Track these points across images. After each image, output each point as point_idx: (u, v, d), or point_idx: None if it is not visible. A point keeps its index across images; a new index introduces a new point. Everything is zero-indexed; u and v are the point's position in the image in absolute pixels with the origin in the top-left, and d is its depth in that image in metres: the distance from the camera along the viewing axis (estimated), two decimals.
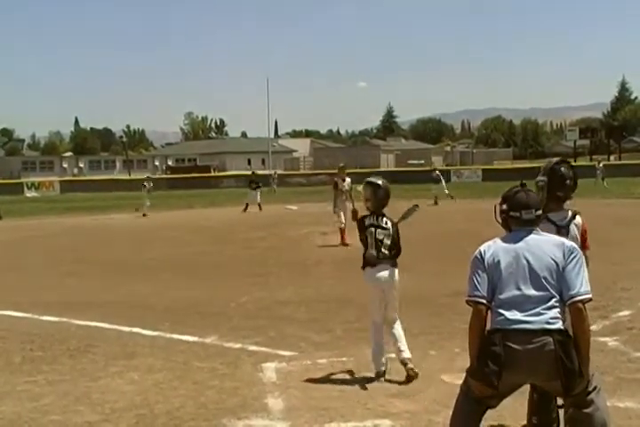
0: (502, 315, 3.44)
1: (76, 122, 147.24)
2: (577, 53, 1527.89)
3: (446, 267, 11.32)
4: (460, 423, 3.63)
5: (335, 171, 16.76)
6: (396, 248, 5.84)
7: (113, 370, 5.97)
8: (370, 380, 5.47)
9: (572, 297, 3.40)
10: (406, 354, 5.58)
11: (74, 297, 9.56)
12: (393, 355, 6.13)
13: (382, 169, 58.25)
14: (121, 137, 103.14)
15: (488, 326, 3.53)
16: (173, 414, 4.86)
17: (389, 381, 5.45)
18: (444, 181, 27.98)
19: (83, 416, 4.87)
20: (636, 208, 21.69)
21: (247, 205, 25.69)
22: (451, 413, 3.74)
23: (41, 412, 4.98)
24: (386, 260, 5.76)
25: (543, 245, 3.51)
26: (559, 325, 3.40)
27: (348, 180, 15.48)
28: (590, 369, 3.45)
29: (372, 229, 5.78)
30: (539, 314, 3.37)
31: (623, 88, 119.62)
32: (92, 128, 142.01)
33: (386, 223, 5.83)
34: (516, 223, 3.62)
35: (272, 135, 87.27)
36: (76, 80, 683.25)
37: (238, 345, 6.59)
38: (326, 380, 5.51)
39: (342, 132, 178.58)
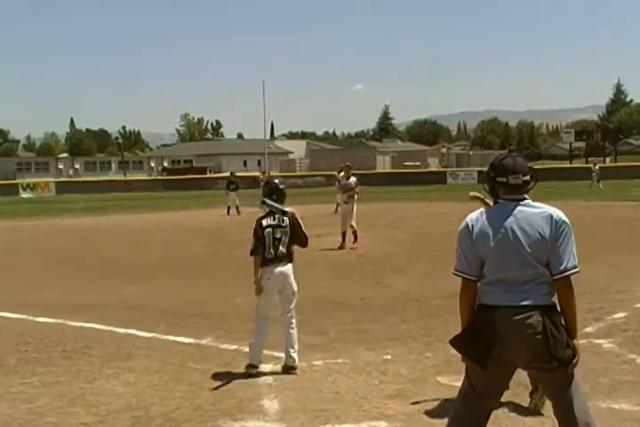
0: (491, 291, 3.39)
1: (72, 123, 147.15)
2: (573, 56, 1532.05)
3: (441, 268, 11.33)
4: None
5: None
6: (298, 242, 5.95)
7: (108, 372, 5.96)
8: (366, 382, 5.48)
9: (560, 272, 3.32)
10: (291, 362, 5.75)
11: (69, 298, 9.54)
12: (390, 356, 6.15)
13: (379, 171, 58.33)
14: (117, 138, 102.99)
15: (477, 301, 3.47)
16: (169, 415, 4.85)
17: (385, 382, 5.46)
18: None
19: (78, 418, 4.86)
20: (632, 210, 21.73)
21: (229, 208, 24.77)
22: (448, 418, 3.66)
23: (36, 414, 4.97)
24: (284, 258, 5.88)
25: (532, 219, 3.37)
26: (548, 301, 3.35)
27: (353, 179, 15.47)
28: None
29: (270, 229, 5.88)
30: (528, 291, 3.32)
31: (618, 90, 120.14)
32: (87, 129, 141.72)
33: (283, 221, 5.90)
34: (503, 190, 3.48)
35: (268, 137, 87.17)
36: (71, 81, 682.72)
37: (234, 347, 6.59)
38: (321, 382, 5.51)
39: (338, 133, 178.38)
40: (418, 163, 72.33)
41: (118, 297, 9.59)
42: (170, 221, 23.83)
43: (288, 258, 5.91)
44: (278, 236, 5.84)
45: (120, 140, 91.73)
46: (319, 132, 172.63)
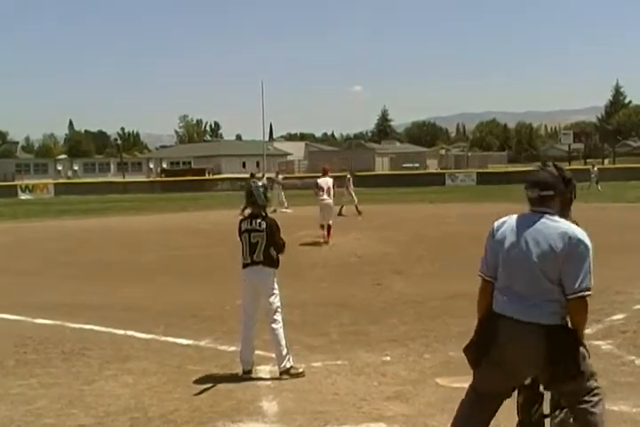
0: (500, 299, 3.42)
1: (71, 124, 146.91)
2: (572, 58, 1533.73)
3: (440, 270, 11.34)
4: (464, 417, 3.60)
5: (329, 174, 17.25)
6: (275, 248, 5.86)
7: (107, 373, 5.96)
8: (365, 383, 5.47)
9: (572, 293, 3.27)
10: (279, 368, 5.71)
11: (68, 300, 9.52)
12: (389, 358, 6.15)
13: (377, 172, 58.34)
14: (115, 140, 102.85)
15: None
16: (167, 417, 4.85)
17: (384, 384, 5.45)
18: None
19: (76, 420, 4.86)
20: (631, 212, 21.74)
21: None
22: (453, 417, 3.70)
23: (34, 415, 4.96)
24: (260, 262, 5.82)
25: (547, 232, 3.34)
26: (556, 320, 3.31)
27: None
28: (588, 370, 3.39)
29: (247, 234, 5.88)
30: (536, 306, 3.29)
31: (617, 92, 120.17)
32: (86, 131, 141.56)
33: (260, 225, 5.86)
34: (528, 201, 3.51)
35: (267, 138, 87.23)
36: (70, 83, 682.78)
37: (233, 348, 6.58)
38: (321, 383, 5.51)
39: (337, 135, 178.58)
40: (416, 164, 72.28)
41: (117, 299, 9.58)
42: (169, 222, 23.81)
43: (265, 262, 5.80)
44: (254, 240, 5.82)
45: (119, 142, 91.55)
46: (318, 134, 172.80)
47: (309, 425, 4.62)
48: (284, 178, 27.18)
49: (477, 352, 3.44)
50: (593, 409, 3.37)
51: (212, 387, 5.49)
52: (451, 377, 5.50)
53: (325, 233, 15.62)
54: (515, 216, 3.54)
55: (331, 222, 15.86)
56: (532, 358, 3.29)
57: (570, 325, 3.36)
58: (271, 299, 5.79)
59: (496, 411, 3.66)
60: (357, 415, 4.77)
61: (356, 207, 23.08)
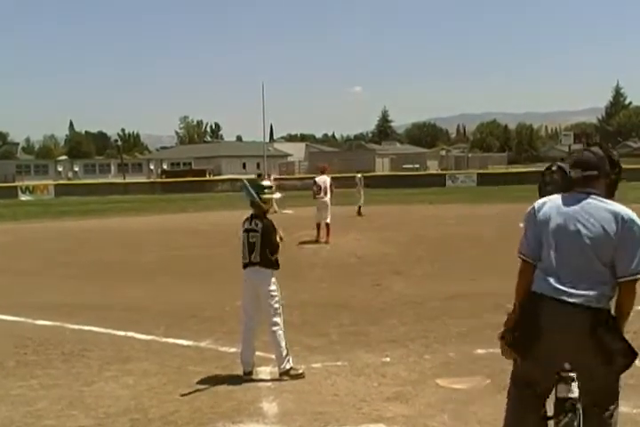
0: (546, 280, 3.23)
1: (71, 125, 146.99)
2: (572, 58, 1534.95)
3: (440, 270, 11.35)
4: (516, 416, 3.41)
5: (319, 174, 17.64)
6: (269, 249, 5.80)
7: (107, 374, 5.96)
8: (365, 384, 5.47)
9: (627, 275, 3.13)
10: (279, 369, 5.70)
11: (68, 301, 9.52)
12: (388, 359, 6.15)
13: (378, 173, 58.34)
14: (116, 141, 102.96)
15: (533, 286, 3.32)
16: (168, 418, 4.85)
17: (384, 385, 5.45)
18: None
19: (77, 421, 4.86)
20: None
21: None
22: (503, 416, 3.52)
23: (35, 417, 4.97)
24: (257, 263, 5.80)
25: (597, 213, 3.21)
26: (604, 304, 3.17)
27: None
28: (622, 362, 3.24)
29: (246, 233, 5.89)
30: (584, 288, 3.14)
31: (618, 93, 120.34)
32: (86, 132, 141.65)
33: (257, 225, 5.87)
34: (574, 183, 3.39)
35: (267, 139, 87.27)
36: (70, 83, 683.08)
37: (233, 349, 6.57)
38: (321, 384, 5.51)
39: (337, 136, 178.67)
40: (417, 165, 72.29)
41: (117, 299, 9.59)
42: (169, 223, 23.83)
43: (262, 263, 5.79)
44: (252, 240, 5.83)
45: (119, 143, 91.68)
46: (318, 135, 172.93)
47: (309, 426, 4.62)
48: (275, 179, 27.36)
49: (526, 337, 3.22)
50: (609, 421, 3.32)
51: (212, 388, 5.49)
52: (451, 378, 5.51)
53: (325, 232, 15.69)
54: (557, 196, 3.38)
55: (329, 221, 15.87)
56: (574, 341, 3.14)
57: (612, 310, 3.22)
58: (269, 300, 5.77)
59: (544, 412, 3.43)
60: (357, 416, 4.77)
61: (359, 208, 23.20)
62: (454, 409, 4.83)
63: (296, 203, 25.54)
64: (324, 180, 16.39)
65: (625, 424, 4.48)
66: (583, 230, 3.19)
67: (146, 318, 8.30)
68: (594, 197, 3.28)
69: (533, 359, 3.23)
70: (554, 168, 4.69)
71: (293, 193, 30.06)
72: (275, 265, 5.85)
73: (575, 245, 3.20)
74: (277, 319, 5.79)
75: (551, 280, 3.21)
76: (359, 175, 24.61)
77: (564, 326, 3.14)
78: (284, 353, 5.71)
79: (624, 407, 4.74)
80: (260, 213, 5.96)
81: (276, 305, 5.81)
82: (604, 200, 3.28)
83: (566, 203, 3.31)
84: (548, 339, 3.17)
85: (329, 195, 16.23)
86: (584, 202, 3.26)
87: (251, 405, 5.06)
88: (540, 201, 3.40)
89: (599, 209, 3.23)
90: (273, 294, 5.79)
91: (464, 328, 7.18)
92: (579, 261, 3.19)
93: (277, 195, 6.21)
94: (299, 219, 18.41)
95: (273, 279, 5.82)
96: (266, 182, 6.26)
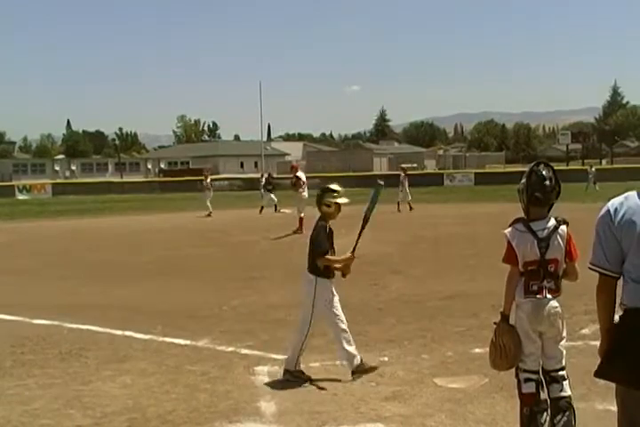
0: (637, 291, 2.85)
1: (68, 124, 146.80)
2: (570, 58, 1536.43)
3: (439, 270, 11.34)
4: None
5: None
6: (313, 254, 5.68)
7: (105, 374, 5.95)
8: (363, 383, 5.47)
9: None
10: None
11: (66, 300, 9.51)
12: (386, 358, 6.14)
13: (375, 172, 58.34)
14: (113, 140, 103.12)
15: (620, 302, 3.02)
16: (165, 417, 4.84)
17: (382, 384, 5.45)
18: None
19: (74, 420, 4.85)
20: None
21: (262, 207, 25.80)
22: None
23: (31, 416, 4.95)
24: (307, 267, 5.71)
25: None
26: None
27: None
28: None
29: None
30: None
31: (615, 93, 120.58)
32: (84, 131, 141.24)
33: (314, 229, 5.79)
34: None
35: (265, 138, 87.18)
36: (68, 83, 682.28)
37: (230, 348, 6.58)
38: (319, 383, 5.50)
39: (335, 135, 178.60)
40: (414, 165, 72.31)
41: (115, 299, 9.57)
42: (166, 222, 23.79)
43: (309, 268, 5.70)
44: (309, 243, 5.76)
45: (117, 142, 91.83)
46: (316, 134, 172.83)
47: (307, 425, 4.62)
48: (267, 178, 27.58)
49: (629, 368, 2.74)
50: None
51: (209, 387, 5.48)
52: (448, 377, 5.51)
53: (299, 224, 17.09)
54: (634, 194, 2.86)
55: (302, 215, 16.97)
56: None
57: None
58: (310, 306, 5.63)
59: None
60: (355, 416, 4.77)
61: (409, 204, 25.22)
62: (452, 409, 4.82)
63: (295, 202, 25.50)
64: (304, 176, 18.74)
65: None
66: None
67: (143, 317, 8.29)
68: None
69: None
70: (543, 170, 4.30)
71: (290, 192, 30.01)
72: (320, 272, 5.63)
73: None
74: (329, 325, 5.71)
75: None
76: (404, 173, 26.29)
77: None
78: (346, 354, 5.58)
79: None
80: (326, 217, 5.82)
81: (319, 312, 5.63)
82: None
83: None
84: None
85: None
86: None
87: (248, 404, 5.05)
88: (615, 202, 2.87)
89: None
90: (311, 301, 5.61)
91: (462, 328, 7.18)
92: None
93: (345, 200, 5.95)
94: (294, 218, 18.42)
95: (315, 286, 5.61)
96: (334, 186, 5.95)
